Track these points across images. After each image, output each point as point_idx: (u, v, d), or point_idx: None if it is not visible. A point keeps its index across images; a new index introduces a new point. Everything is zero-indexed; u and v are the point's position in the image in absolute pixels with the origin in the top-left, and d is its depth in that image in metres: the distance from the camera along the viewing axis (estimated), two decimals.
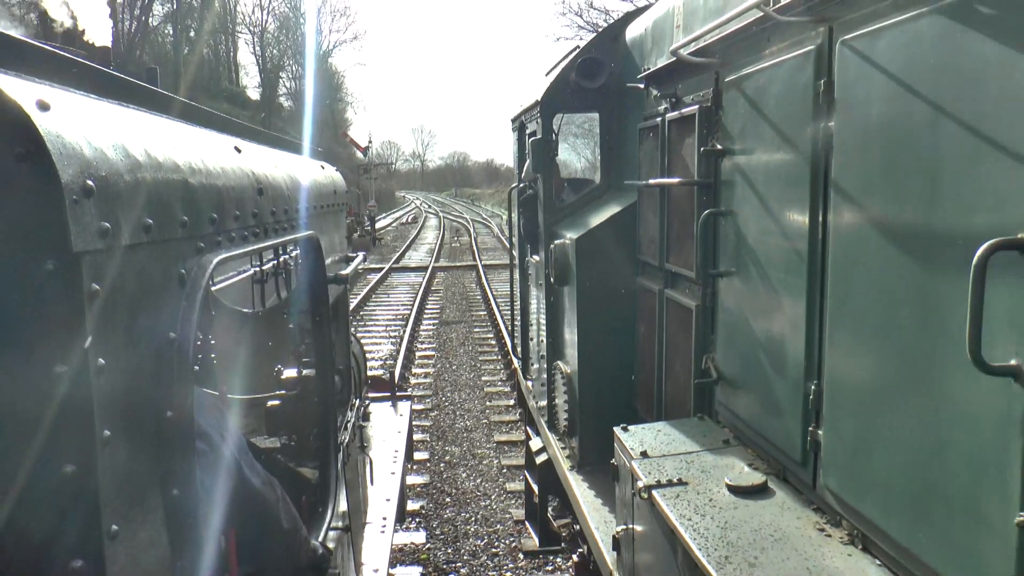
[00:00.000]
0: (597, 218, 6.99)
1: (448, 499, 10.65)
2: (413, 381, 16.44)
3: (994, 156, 2.40)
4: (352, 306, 23.51)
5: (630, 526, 4.75)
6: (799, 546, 3.39)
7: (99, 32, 3.78)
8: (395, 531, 6.41)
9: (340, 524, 4.18)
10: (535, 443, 8.61)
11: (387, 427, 8.15)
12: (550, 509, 8.39)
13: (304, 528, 3.40)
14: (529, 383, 9.49)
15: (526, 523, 9.51)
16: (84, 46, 3.12)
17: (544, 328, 8.06)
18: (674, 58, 5.16)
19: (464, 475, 11.45)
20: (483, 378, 16.55)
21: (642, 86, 6.29)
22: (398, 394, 9.17)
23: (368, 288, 27.72)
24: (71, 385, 1.56)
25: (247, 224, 2.68)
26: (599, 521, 5.94)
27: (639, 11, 7.26)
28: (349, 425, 5.29)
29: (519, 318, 10.07)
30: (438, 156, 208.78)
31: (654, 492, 4.06)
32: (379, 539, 5.80)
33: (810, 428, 3.73)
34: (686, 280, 5.49)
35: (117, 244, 1.70)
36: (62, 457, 1.57)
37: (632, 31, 6.82)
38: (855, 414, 3.34)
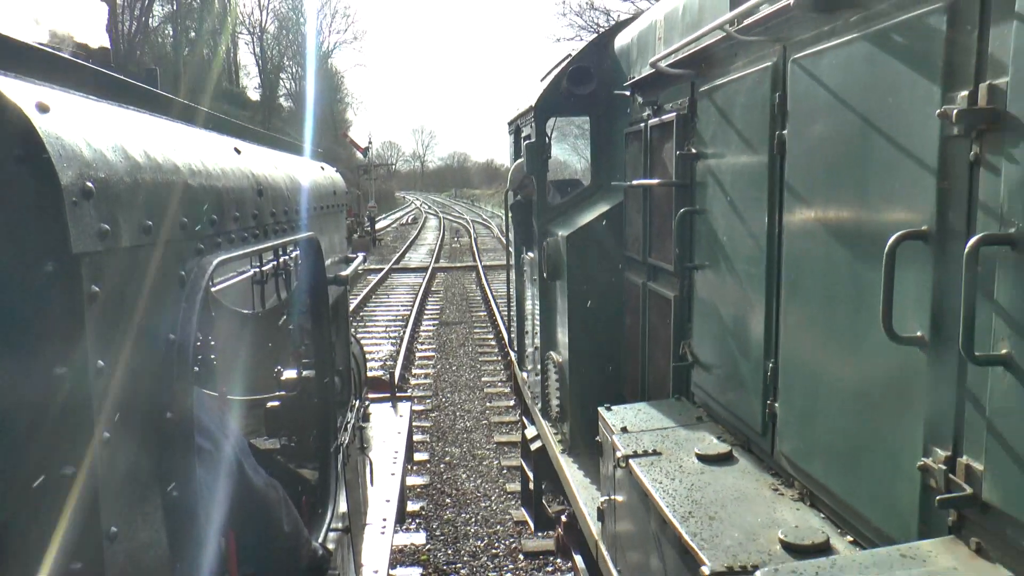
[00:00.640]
0: (586, 217, 7.40)
1: (448, 500, 10.66)
2: (413, 382, 16.45)
3: (905, 163, 2.89)
4: (352, 307, 23.51)
5: (612, 497, 5.19)
6: (754, 503, 3.84)
7: (98, 33, 3.78)
8: (395, 532, 6.41)
9: (340, 525, 4.18)
10: (530, 431, 9.02)
11: (387, 428, 8.15)
12: (545, 496, 8.80)
13: (305, 530, 3.40)
14: (524, 374, 9.90)
15: (522, 509, 9.88)
16: (83, 47, 3.12)
17: (538, 321, 8.49)
18: (653, 69, 5.60)
19: (464, 476, 11.45)
20: (483, 379, 16.55)
21: (628, 93, 6.70)
22: (398, 395, 9.17)
23: (368, 289, 27.73)
24: (70, 386, 1.56)
25: (247, 225, 2.68)
26: (587, 498, 6.38)
27: (627, 21, 7.65)
28: (349, 426, 5.28)
29: (516, 313, 10.49)
30: (438, 157, 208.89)
31: (631, 461, 4.52)
32: (379, 540, 5.80)
33: (768, 402, 4.23)
34: (666, 273, 5.97)
35: (117, 246, 1.70)
36: (61, 458, 1.57)
37: (620, 41, 7.23)
38: (803, 386, 3.85)
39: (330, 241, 4.64)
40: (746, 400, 4.52)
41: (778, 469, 4.18)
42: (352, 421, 5.56)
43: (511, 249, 10.33)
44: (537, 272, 8.21)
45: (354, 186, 51.11)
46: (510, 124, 10.00)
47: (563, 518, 7.90)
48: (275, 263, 5.93)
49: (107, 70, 2.33)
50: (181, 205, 2.07)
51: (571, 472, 6.90)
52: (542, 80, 8.67)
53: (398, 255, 41.03)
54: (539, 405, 8.55)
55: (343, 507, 4.32)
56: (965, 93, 2.58)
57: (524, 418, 10.07)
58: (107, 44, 3.83)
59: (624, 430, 4.98)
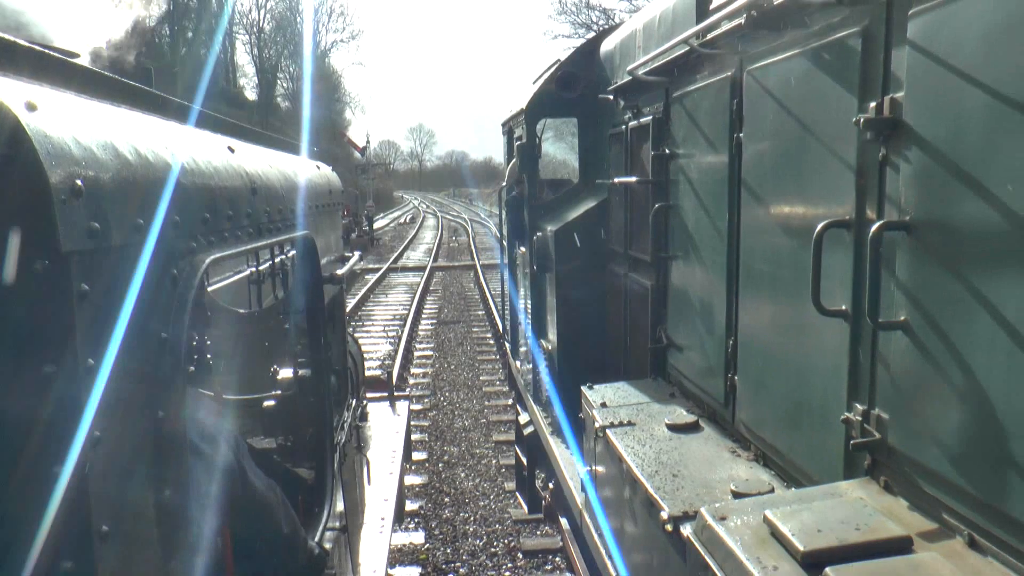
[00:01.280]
0: (574, 213, 7.93)
1: (447, 499, 10.65)
2: (411, 381, 16.44)
3: (833, 162, 3.43)
4: (350, 306, 23.50)
5: (593, 467, 5.66)
6: (714, 464, 4.38)
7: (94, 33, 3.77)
8: (393, 531, 6.41)
9: (337, 525, 4.17)
10: (523, 418, 9.51)
11: (385, 427, 8.15)
12: (538, 480, 9.41)
13: (303, 530, 3.39)
14: (518, 363, 10.40)
15: (516, 493, 10.36)
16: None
17: (529, 311, 9.12)
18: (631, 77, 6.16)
19: (463, 475, 11.45)
20: (481, 378, 16.55)
21: (611, 97, 7.16)
22: (396, 394, 9.17)
23: (366, 288, 27.72)
24: (60, 385, 1.55)
25: (241, 224, 2.67)
26: (572, 472, 6.86)
27: (612, 29, 8.15)
28: (346, 425, 5.28)
29: (509, 305, 11.09)
30: (436, 156, 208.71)
31: (608, 431, 5.04)
32: (377, 539, 5.79)
33: (729, 375, 4.78)
34: (644, 264, 6.47)
35: (107, 244, 1.69)
36: (51, 457, 1.56)
37: (605, 47, 7.67)
38: (756, 359, 4.42)
39: (326, 240, 4.64)
40: (711, 375, 5.08)
41: (737, 435, 4.73)
42: (349, 420, 5.56)
43: (504, 243, 10.82)
44: (528, 265, 8.73)
45: (352, 185, 51.07)
46: (504, 125, 10.50)
47: (550, 485, 8.58)
48: (271, 262, 5.93)
49: (102, 70, 2.33)
50: (173, 203, 2.07)
51: (559, 450, 7.42)
52: (534, 83, 9.08)
53: (396, 254, 40.99)
54: (531, 391, 9.07)
55: (340, 506, 4.31)
56: (874, 104, 3.11)
57: (518, 405, 10.60)
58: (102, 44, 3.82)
59: (603, 405, 5.53)
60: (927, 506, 2.91)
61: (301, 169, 4.24)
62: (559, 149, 10.65)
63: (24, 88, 1.65)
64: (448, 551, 9.16)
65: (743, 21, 3.99)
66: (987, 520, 2.61)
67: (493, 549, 9.15)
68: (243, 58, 76.45)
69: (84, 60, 2.78)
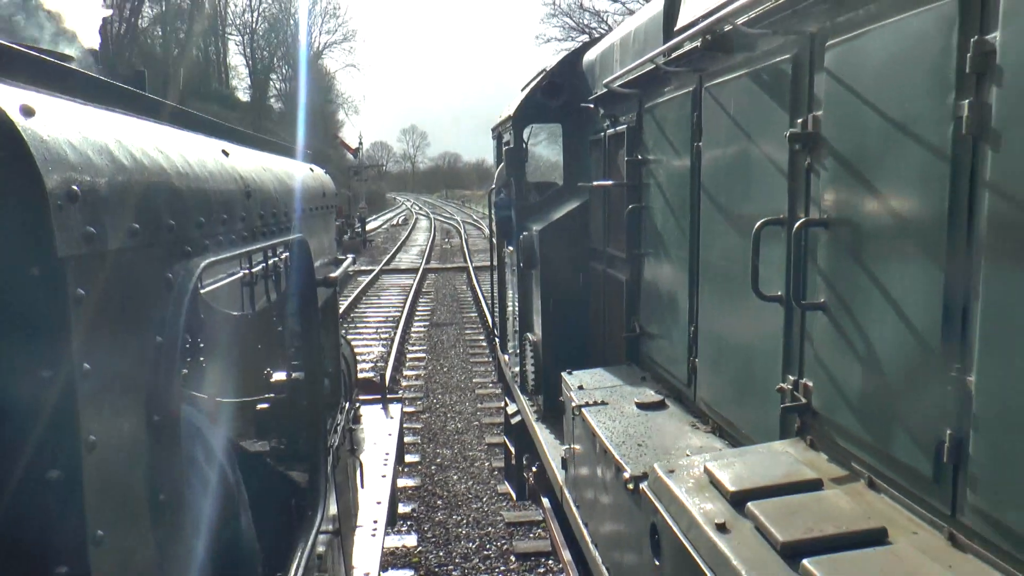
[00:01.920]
0: (557, 213, 8.49)
1: (440, 502, 10.65)
2: (404, 383, 16.43)
3: (770, 169, 4.03)
4: (343, 308, 23.47)
5: (572, 446, 6.23)
6: (675, 435, 4.93)
7: (89, 35, 3.77)
8: (386, 534, 6.40)
9: (329, 528, 4.17)
10: (511, 408, 10.01)
11: (378, 430, 8.14)
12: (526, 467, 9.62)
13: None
14: (506, 357, 10.99)
15: (505, 481, 10.80)
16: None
17: (517, 306, 9.66)
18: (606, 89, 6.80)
19: (456, 477, 11.46)
20: (474, 380, 16.55)
21: (592, 106, 7.70)
22: (389, 396, 9.16)
23: (359, 290, 27.70)
24: (56, 390, 1.55)
25: (235, 228, 2.68)
26: (554, 454, 7.31)
27: (594, 41, 8.63)
28: (339, 428, 5.28)
29: (499, 301, 11.64)
30: (428, 157, 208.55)
31: (583, 409, 5.61)
32: (370, 542, 5.80)
33: (691, 358, 5.35)
34: (620, 260, 7.03)
35: (103, 249, 1.69)
36: (47, 462, 1.56)
37: (587, 58, 8.20)
38: (713, 342, 5.03)
39: (319, 243, 4.64)
40: (676, 359, 5.69)
41: (698, 412, 5.30)
42: (342, 423, 5.56)
43: (494, 241, 11.46)
44: (516, 263, 9.30)
45: (344, 187, 51.00)
46: (493, 131, 11.04)
47: (533, 469, 8.97)
48: (264, 265, 5.92)
49: (94, 72, 2.33)
50: (168, 208, 2.07)
51: (544, 436, 7.92)
52: (522, 90, 9.61)
53: (388, 256, 40.97)
54: (518, 382, 9.61)
55: (333, 510, 4.32)
56: (801, 120, 3.70)
57: (507, 397, 11.09)
58: (95, 46, 3.82)
59: (581, 388, 6.11)
60: (840, 457, 3.51)
61: (294, 172, 4.24)
62: (545, 153, 11.31)
63: (20, 93, 1.65)
64: (441, 554, 9.16)
65: (700, 44, 4.59)
66: (882, 464, 3.20)
67: (486, 552, 9.16)
68: (236, 59, 76.37)
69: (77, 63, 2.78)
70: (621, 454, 4.66)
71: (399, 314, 23.40)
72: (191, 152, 2.43)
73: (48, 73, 1.97)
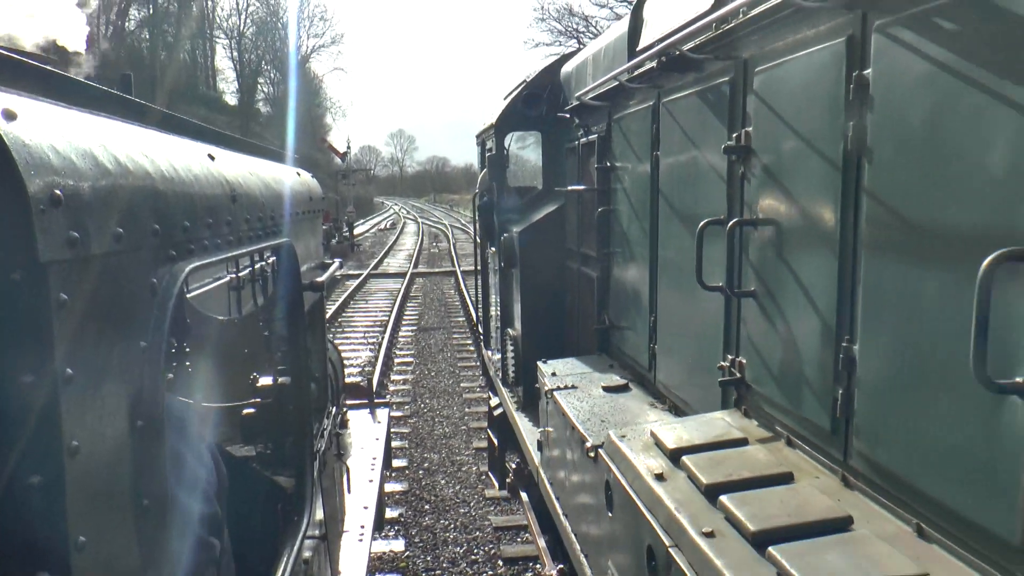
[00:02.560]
0: (536, 216, 9.13)
1: (427, 506, 10.64)
2: (391, 388, 16.40)
3: (712, 176, 4.68)
4: (330, 312, 23.43)
5: (546, 428, 6.83)
6: (635, 413, 5.53)
7: (75, 37, 3.75)
8: (373, 539, 6.38)
9: (316, 533, 4.17)
10: (494, 401, 10.68)
11: (365, 434, 8.13)
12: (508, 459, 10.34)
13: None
14: (489, 353, 11.60)
15: (489, 473, 11.27)
16: (58, 52, 3.09)
17: (498, 304, 10.27)
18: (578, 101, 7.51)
19: (443, 482, 11.44)
20: (462, 384, 16.54)
21: (568, 116, 8.22)
22: (376, 401, 9.15)
23: (347, 294, 27.66)
24: (38, 395, 1.55)
25: (220, 232, 2.67)
26: (532, 440, 7.86)
27: (572, 54, 9.21)
28: (326, 433, 5.28)
29: (482, 300, 12.31)
30: (417, 161, 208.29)
31: (555, 392, 6.25)
32: (357, 547, 5.78)
33: (651, 345, 5.98)
34: (591, 259, 7.65)
35: (86, 254, 1.69)
36: (29, 467, 1.55)
37: (564, 70, 8.76)
38: (669, 330, 5.67)
39: (306, 247, 4.64)
40: (639, 347, 6.34)
41: (657, 393, 5.96)
42: (329, 428, 5.55)
43: (478, 239, 11.96)
44: (498, 263, 9.91)
45: (332, 191, 50.89)
46: (478, 137, 11.70)
47: (512, 466, 9.72)
48: (251, 269, 5.90)
49: (79, 76, 2.31)
50: (153, 212, 2.06)
51: (523, 423, 8.53)
52: (504, 99, 10.21)
53: (376, 260, 40.92)
54: (500, 375, 10.22)
55: (319, 515, 4.31)
56: (735, 135, 4.34)
57: (490, 391, 11.82)
58: (82, 49, 3.80)
59: (554, 375, 6.76)
60: (767, 422, 4.16)
61: (281, 176, 4.24)
62: (526, 159, 12.00)
63: (1, 96, 1.64)
64: (428, 559, 9.15)
65: (656, 64, 5.17)
66: (796, 424, 3.85)
67: (474, 556, 9.16)
68: (223, 63, 76.18)
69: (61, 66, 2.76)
70: (586, 429, 5.26)
71: (387, 318, 23.39)
72: (176, 156, 2.42)
73: (30, 76, 1.96)
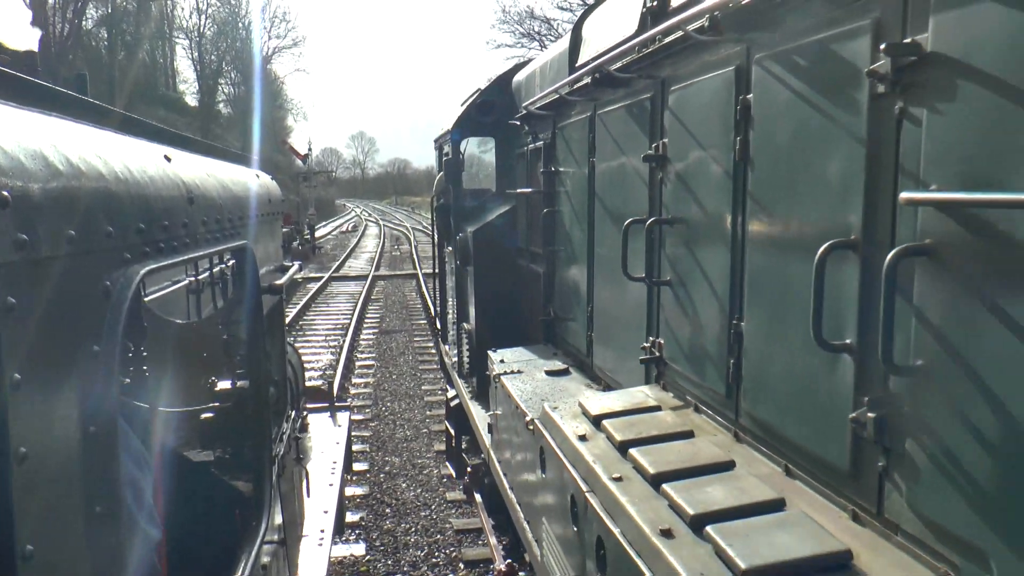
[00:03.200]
0: (489, 216, 9.79)
1: (388, 510, 10.60)
2: (353, 391, 16.32)
3: (637, 180, 5.35)
4: (291, 316, 23.26)
5: (495, 411, 7.47)
6: (572, 393, 6.01)
7: (25, 36, 3.67)
8: (333, 543, 6.34)
9: (275, 538, 4.12)
10: (450, 393, 11.31)
11: (325, 438, 8.10)
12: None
13: None
14: (447, 347, 12.23)
15: (447, 462, 11.82)
16: (6, 51, 3.03)
17: (455, 300, 10.96)
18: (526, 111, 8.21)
19: (404, 485, 11.40)
20: (423, 387, 16.49)
21: (518, 123, 8.91)
22: (337, 404, 9.10)
23: (308, 297, 27.50)
24: None
25: (177, 234, 2.63)
26: (484, 426, 8.44)
27: (523, 64, 9.90)
28: (285, 437, 5.23)
29: (440, 297, 12.96)
30: (378, 164, 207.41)
31: (502, 377, 6.89)
32: (316, 552, 5.74)
33: (588, 333, 6.68)
34: (539, 256, 8.34)
35: (35, 256, 1.65)
36: None
37: (516, 79, 9.50)
38: (603, 318, 6.34)
39: (265, 250, 4.59)
40: (578, 335, 7.03)
41: (595, 376, 6.60)
42: (288, 432, 5.50)
43: (435, 238, 12.68)
44: (454, 261, 10.60)
45: (293, 193, 50.49)
46: (436, 142, 12.29)
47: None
48: (210, 272, 5.83)
49: (31, 75, 2.26)
50: (106, 214, 2.02)
51: (476, 411, 9.16)
52: (461, 105, 10.80)
53: (338, 263, 40.70)
54: (456, 368, 10.86)
55: (278, 519, 4.26)
56: (655, 145, 4.99)
57: (447, 383, 12.48)
58: (35, 48, 3.73)
59: (502, 362, 7.46)
60: (679, 393, 4.86)
61: (240, 178, 4.20)
62: (481, 163, 12.46)
63: None
64: (389, 562, 9.12)
65: (591, 80, 5.75)
66: (700, 392, 4.53)
67: (435, 559, 9.15)
68: (183, 63, 75.31)
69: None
70: (527, 407, 5.87)
71: (348, 321, 23.29)
72: (131, 157, 2.39)
73: None
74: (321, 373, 17.07)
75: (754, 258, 3.77)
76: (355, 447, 12.32)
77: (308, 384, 8.98)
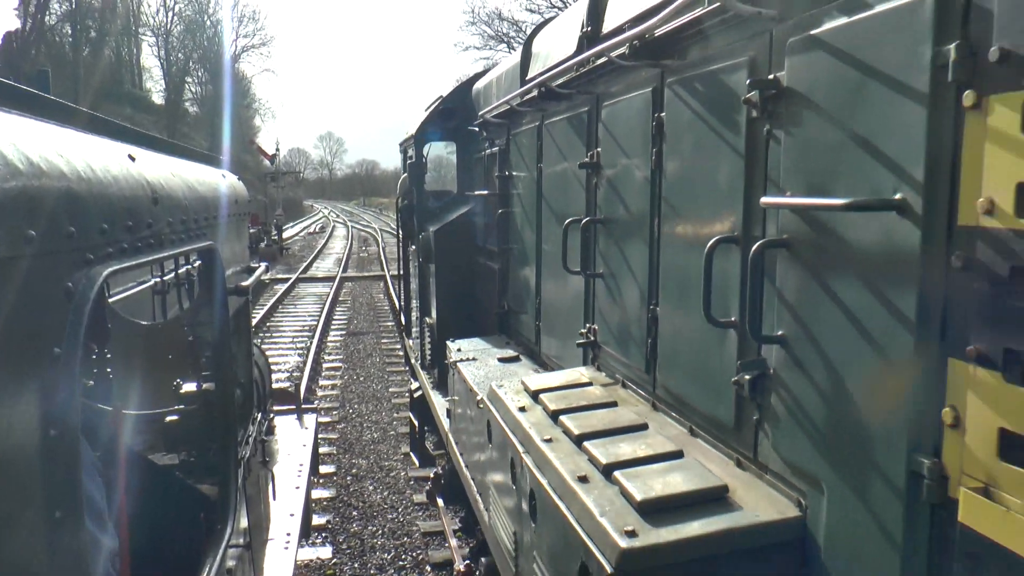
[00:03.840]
0: (450, 216, 10.48)
1: (355, 512, 10.60)
2: (320, 393, 16.27)
3: (575, 185, 5.96)
4: (258, 317, 23.11)
5: (453, 396, 8.01)
6: (520, 376, 6.07)
7: None
8: (300, 547, 6.30)
9: (240, 541, 4.08)
10: (414, 385, 11.92)
11: (292, 441, 8.07)
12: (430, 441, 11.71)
13: None
14: (411, 342, 12.87)
15: (410, 452, 12.37)
16: None
17: (418, 295, 11.68)
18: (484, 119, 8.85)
19: (371, 488, 11.39)
20: (391, 389, 16.45)
21: (477, 129, 9.54)
22: (304, 406, 9.05)
23: (275, 299, 27.36)
24: None
25: (141, 235, 2.59)
26: (443, 412, 8.99)
27: (483, 72, 10.54)
28: (251, 439, 5.18)
29: (404, 293, 13.60)
30: (346, 164, 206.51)
31: (458, 364, 7.51)
32: (282, 555, 5.70)
33: (537, 323, 7.37)
34: (494, 253, 8.94)
35: None
36: None
37: (476, 87, 10.21)
38: (549, 309, 7.02)
39: (231, 250, 4.56)
40: (528, 325, 7.70)
41: (542, 362, 7.27)
42: (254, 434, 5.46)
43: (401, 237, 13.40)
44: (417, 258, 11.31)
45: (261, 194, 50.13)
46: (401, 146, 12.98)
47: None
48: (175, 273, 5.76)
49: None
50: (67, 214, 1.99)
51: (436, 399, 9.77)
52: (425, 110, 11.47)
53: (306, 264, 40.50)
54: (419, 361, 11.55)
55: (243, 523, 4.22)
56: (591, 153, 5.57)
57: (411, 376, 13.05)
58: None
59: (459, 350, 8.07)
60: (610, 372, 5.46)
61: (206, 178, 4.15)
62: (444, 166, 13.52)
63: None
64: (356, 565, 9.13)
65: (537, 94, 6.33)
66: (627, 370, 5.14)
67: (401, 562, 9.15)
68: (150, 61, 74.50)
69: None
70: (479, 388, 6.41)
71: (315, 323, 23.25)
72: (94, 156, 2.35)
73: None
74: (288, 375, 16.99)
75: (666, 252, 4.45)
76: (322, 449, 12.32)
77: (275, 386, 8.94)
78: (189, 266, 5.76)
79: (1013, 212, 2.15)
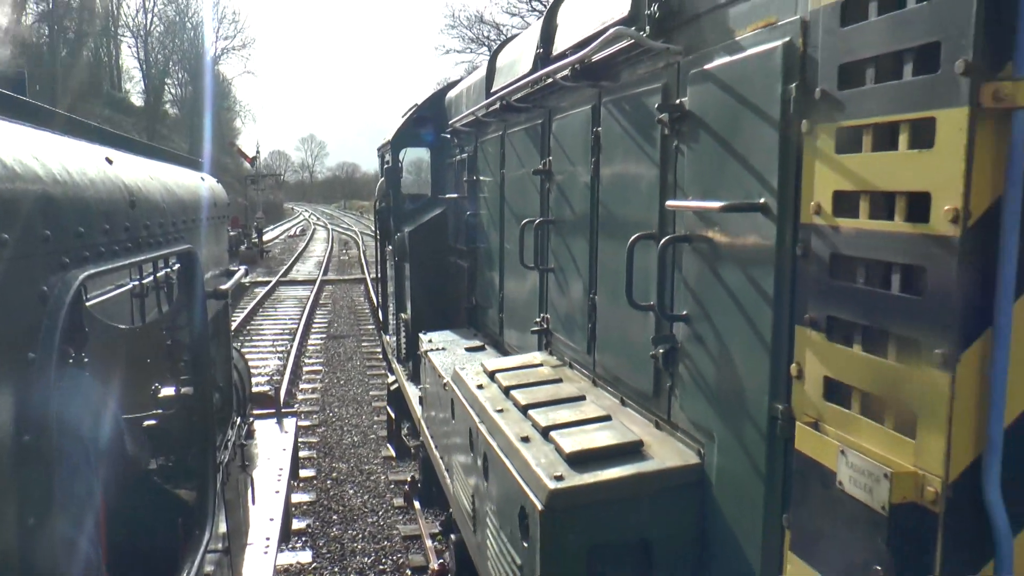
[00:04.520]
0: (424, 218, 11.12)
1: (335, 516, 10.62)
2: (300, 397, 16.26)
3: (532, 190, 6.59)
4: (239, 321, 23.02)
5: (424, 384, 8.65)
6: (483, 361, 6.61)
7: None
8: (280, 551, 6.27)
9: (219, 546, 4.06)
10: (391, 379, 12.53)
11: (272, 444, 8.06)
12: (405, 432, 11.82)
13: None
14: (388, 338, 13.42)
15: (387, 444, 12.91)
16: None
17: (394, 293, 12.37)
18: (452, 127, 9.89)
19: (351, 491, 11.40)
20: (371, 392, 16.42)
21: (449, 136, 10.38)
22: (284, 410, 9.03)
23: (255, 302, 27.29)
24: None
25: (118, 239, 2.57)
26: (416, 401, 9.55)
27: (456, 82, 11.08)
28: (230, 444, 5.15)
29: (382, 291, 14.19)
30: (327, 167, 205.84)
31: (428, 353, 8.09)
32: (262, 560, 5.69)
33: (501, 315, 8.07)
34: (464, 252, 9.71)
35: None
36: None
37: (448, 96, 10.76)
38: (511, 302, 7.67)
39: (210, 253, 4.53)
40: (493, 318, 8.42)
41: (506, 352, 7.82)
42: (233, 438, 5.43)
43: (378, 238, 14.22)
44: (393, 258, 12.05)
45: (241, 196, 49.86)
46: (379, 151, 13.56)
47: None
48: (154, 277, 5.72)
49: None
50: (43, 217, 1.97)
51: (411, 390, 10.35)
52: (402, 116, 12.05)
53: (286, 267, 40.36)
54: (395, 355, 12.20)
55: (222, 528, 4.20)
56: (544, 161, 6.28)
57: (388, 371, 13.64)
58: None
59: (430, 341, 8.70)
60: (560, 355, 6.12)
61: (184, 181, 4.13)
62: (420, 169, 14.12)
63: None
64: (336, 570, 9.15)
65: (499, 106, 7.01)
66: (572, 352, 5.80)
67: (382, 567, 9.16)
68: (129, 62, 74.02)
69: None
70: (446, 372, 7.00)
71: (296, 326, 23.23)
72: (71, 159, 2.33)
73: None
74: (268, 379, 16.92)
75: (602, 248, 5.16)
76: (302, 453, 12.32)
77: (255, 390, 8.89)
78: (168, 269, 5.72)
79: (831, 212, 2.86)
